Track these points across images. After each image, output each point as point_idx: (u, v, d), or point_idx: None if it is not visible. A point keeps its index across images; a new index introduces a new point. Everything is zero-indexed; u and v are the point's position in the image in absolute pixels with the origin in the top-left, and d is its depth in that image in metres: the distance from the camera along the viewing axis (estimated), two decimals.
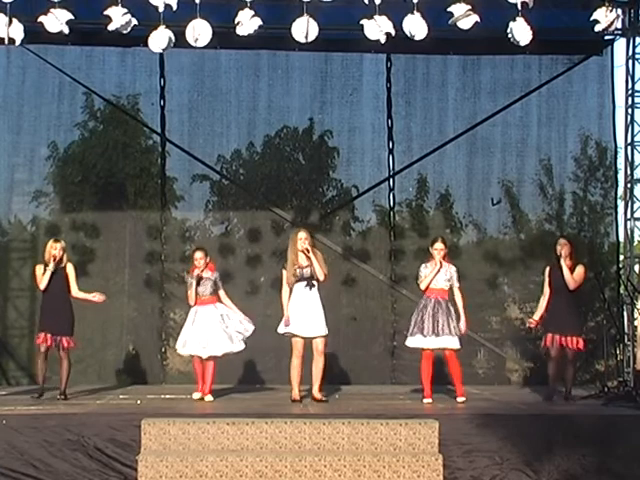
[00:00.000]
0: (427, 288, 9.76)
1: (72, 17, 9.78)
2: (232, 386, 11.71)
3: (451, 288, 9.78)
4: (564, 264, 9.71)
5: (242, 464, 7.63)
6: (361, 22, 9.71)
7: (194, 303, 10.09)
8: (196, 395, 10.02)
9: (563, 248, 9.79)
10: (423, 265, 9.89)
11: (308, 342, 9.59)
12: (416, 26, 9.64)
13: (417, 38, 9.70)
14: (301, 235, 9.67)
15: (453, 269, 9.82)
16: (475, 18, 9.72)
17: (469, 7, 9.62)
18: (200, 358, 10.05)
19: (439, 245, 9.82)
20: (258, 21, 9.73)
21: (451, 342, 9.62)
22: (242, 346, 10.18)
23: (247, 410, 8.80)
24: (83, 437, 7.91)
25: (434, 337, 9.60)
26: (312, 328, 9.53)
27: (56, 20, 9.71)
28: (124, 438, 7.89)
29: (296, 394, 9.56)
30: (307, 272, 9.61)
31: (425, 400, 9.67)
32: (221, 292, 10.21)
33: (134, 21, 9.78)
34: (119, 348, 12.95)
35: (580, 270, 9.78)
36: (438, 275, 9.72)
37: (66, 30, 9.82)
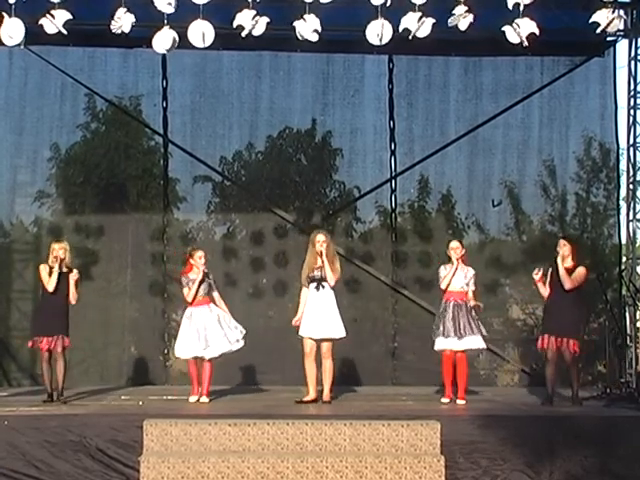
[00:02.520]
0: (446, 290, 9.77)
1: (71, 17, 9.79)
2: (234, 387, 11.71)
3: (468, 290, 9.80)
4: (560, 264, 9.65)
5: (244, 465, 7.63)
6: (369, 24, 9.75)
7: (192, 302, 10.04)
8: (193, 398, 9.91)
9: (562, 248, 9.72)
10: (442, 267, 9.92)
11: (319, 343, 9.59)
12: (418, 24, 9.69)
13: (420, 35, 9.73)
14: (319, 238, 9.69)
15: (471, 272, 9.85)
16: (470, 19, 9.74)
17: (466, 8, 9.66)
18: (196, 360, 10.00)
19: (454, 244, 9.87)
20: (265, 19, 9.74)
21: (475, 342, 9.67)
22: (241, 344, 10.08)
23: (249, 411, 8.80)
24: (85, 438, 7.90)
25: (456, 339, 9.64)
26: (319, 330, 9.54)
27: (51, 23, 9.72)
28: (126, 439, 7.89)
29: (310, 395, 9.56)
30: (317, 274, 9.63)
31: (443, 400, 9.71)
32: (215, 294, 10.10)
33: (131, 18, 9.79)
34: (121, 349, 12.96)
35: (580, 271, 9.63)
36: (457, 277, 9.75)
37: (64, 31, 9.82)
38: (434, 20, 9.72)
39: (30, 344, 9.99)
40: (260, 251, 13.15)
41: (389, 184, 13.19)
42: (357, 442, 7.88)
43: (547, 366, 9.79)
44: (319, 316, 9.54)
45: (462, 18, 9.74)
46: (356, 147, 13.32)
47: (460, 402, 9.66)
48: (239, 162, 13.48)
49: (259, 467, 7.63)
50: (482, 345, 9.78)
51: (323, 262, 9.59)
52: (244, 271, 13.06)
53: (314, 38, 9.85)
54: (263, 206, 13.30)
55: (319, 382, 9.65)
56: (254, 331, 12.48)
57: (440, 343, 9.77)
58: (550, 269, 9.89)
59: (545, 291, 9.82)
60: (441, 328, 9.72)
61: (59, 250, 9.90)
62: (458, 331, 9.62)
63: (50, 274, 9.84)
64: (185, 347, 10.02)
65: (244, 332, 10.09)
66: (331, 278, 9.59)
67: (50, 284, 9.82)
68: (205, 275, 10.01)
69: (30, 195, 13.10)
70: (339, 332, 9.58)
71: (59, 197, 13.21)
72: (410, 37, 9.76)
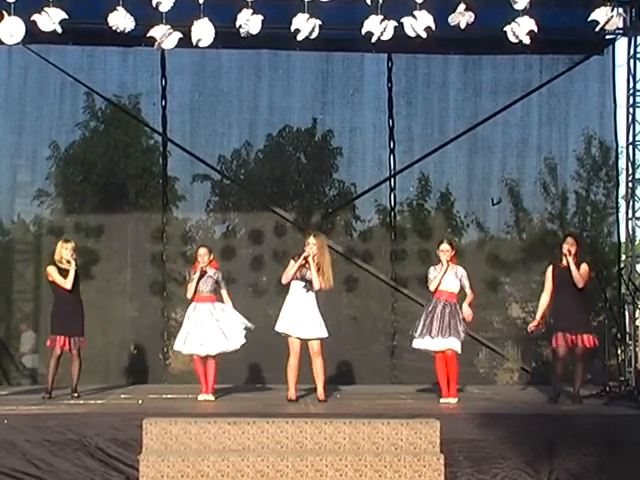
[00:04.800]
0: (436, 290, 9.75)
1: (66, 17, 9.79)
2: (233, 386, 11.71)
3: (462, 290, 9.73)
4: (572, 262, 9.63)
5: (243, 464, 7.62)
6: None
7: (192, 298, 10.06)
8: (202, 397, 9.90)
9: (572, 247, 9.67)
10: (432, 268, 9.85)
11: (305, 343, 9.59)
12: (420, 24, 9.71)
13: (419, 33, 9.75)
14: (310, 240, 9.67)
15: (462, 271, 9.78)
16: (471, 17, 9.76)
17: (465, 6, 9.67)
18: (200, 357, 10.03)
19: (445, 246, 9.77)
20: (260, 18, 9.74)
21: (453, 344, 9.61)
22: (242, 341, 10.07)
23: (248, 410, 8.81)
24: (85, 437, 7.91)
25: (440, 338, 9.59)
26: (307, 330, 9.54)
27: (48, 19, 9.71)
28: (126, 438, 7.89)
29: (292, 394, 9.59)
30: (309, 275, 9.63)
31: (442, 400, 9.62)
32: (223, 292, 10.12)
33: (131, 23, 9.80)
34: (121, 348, 12.96)
35: (586, 268, 9.66)
36: (447, 277, 9.70)
37: (59, 29, 9.81)
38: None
39: (49, 343, 10.08)
40: (260, 250, 13.16)
41: (388, 182, 13.20)
42: (357, 440, 7.88)
43: (557, 364, 9.75)
44: (306, 316, 9.55)
45: (462, 16, 9.75)
46: (355, 146, 13.33)
47: (452, 400, 9.60)
48: (238, 161, 13.48)
49: (259, 466, 7.63)
50: (458, 349, 9.65)
51: (310, 265, 9.57)
52: (244, 270, 13.06)
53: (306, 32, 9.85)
54: (262, 205, 13.30)
55: (302, 381, 9.67)
56: (253, 329, 12.54)
57: (425, 344, 9.71)
58: (551, 268, 9.85)
59: (545, 299, 9.84)
60: (428, 328, 9.63)
61: (72, 249, 10.02)
62: (442, 330, 9.55)
63: (61, 274, 9.94)
64: (186, 342, 10.04)
65: (249, 326, 10.07)
66: (316, 283, 9.56)
67: (68, 282, 9.96)
68: (203, 272, 10.01)
69: (30, 194, 13.10)
70: (322, 331, 9.59)
71: (58, 196, 13.22)
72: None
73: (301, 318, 9.54)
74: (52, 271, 10.03)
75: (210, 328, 9.92)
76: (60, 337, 9.95)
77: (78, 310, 10.10)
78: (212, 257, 10.16)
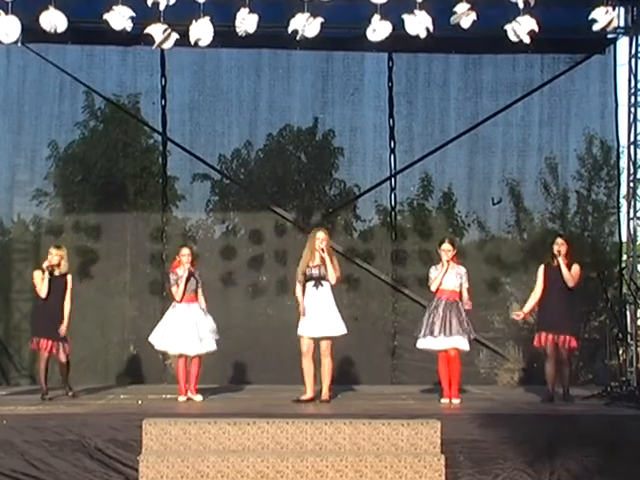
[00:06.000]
0: (437, 289, 9.73)
1: (65, 18, 9.77)
2: (233, 386, 11.69)
3: (462, 288, 9.74)
4: (563, 263, 9.65)
5: (243, 464, 7.61)
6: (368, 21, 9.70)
7: (180, 299, 10.01)
8: (182, 398, 9.86)
9: (561, 247, 9.72)
10: (433, 267, 9.86)
11: (317, 342, 9.53)
12: (419, 24, 9.67)
13: (419, 34, 9.72)
14: (319, 235, 9.64)
15: (463, 270, 9.77)
16: (473, 17, 9.73)
17: (469, 6, 9.64)
18: (185, 358, 9.97)
19: (446, 246, 9.77)
20: (255, 17, 9.73)
21: (460, 342, 9.59)
22: (212, 347, 10.00)
23: (248, 410, 8.78)
24: (84, 437, 7.90)
25: (443, 337, 9.56)
26: (318, 328, 9.48)
27: (60, 17, 9.69)
28: (125, 438, 7.88)
29: (308, 394, 9.50)
30: (316, 272, 9.57)
31: (443, 400, 9.59)
32: (200, 291, 10.08)
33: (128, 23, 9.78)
34: (120, 348, 12.93)
35: (577, 268, 9.71)
36: (448, 276, 9.68)
37: (64, 26, 9.75)
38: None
39: (32, 345, 10.09)
40: (259, 249, 13.13)
41: (389, 182, 13.17)
42: (357, 441, 7.87)
43: (546, 364, 9.78)
44: (318, 314, 9.49)
45: (465, 16, 9.72)
46: (356, 145, 13.29)
47: (455, 401, 9.57)
48: (238, 160, 13.46)
49: (259, 466, 7.61)
50: (465, 347, 9.67)
51: (325, 260, 9.54)
52: (243, 269, 13.04)
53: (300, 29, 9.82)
54: (262, 204, 13.27)
55: (317, 381, 9.61)
56: (253, 329, 12.52)
57: (428, 343, 9.70)
58: (543, 267, 9.86)
59: (534, 296, 9.85)
60: (431, 327, 9.61)
61: (54, 256, 10.04)
62: (447, 329, 9.54)
63: (42, 279, 9.93)
64: (163, 339, 9.99)
65: (216, 338, 10.03)
66: (333, 276, 9.55)
67: (42, 291, 9.95)
68: (190, 273, 9.98)
69: (29, 194, 13.08)
70: (339, 329, 9.52)
71: (58, 196, 13.20)
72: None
73: (317, 317, 9.47)
74: (36, 276, 10.04)
75: (188, 329, 9.86)
76: (43, 340, 9.91)
77: (58, 316, 9.97)
78: (192, 257, 10.15)
